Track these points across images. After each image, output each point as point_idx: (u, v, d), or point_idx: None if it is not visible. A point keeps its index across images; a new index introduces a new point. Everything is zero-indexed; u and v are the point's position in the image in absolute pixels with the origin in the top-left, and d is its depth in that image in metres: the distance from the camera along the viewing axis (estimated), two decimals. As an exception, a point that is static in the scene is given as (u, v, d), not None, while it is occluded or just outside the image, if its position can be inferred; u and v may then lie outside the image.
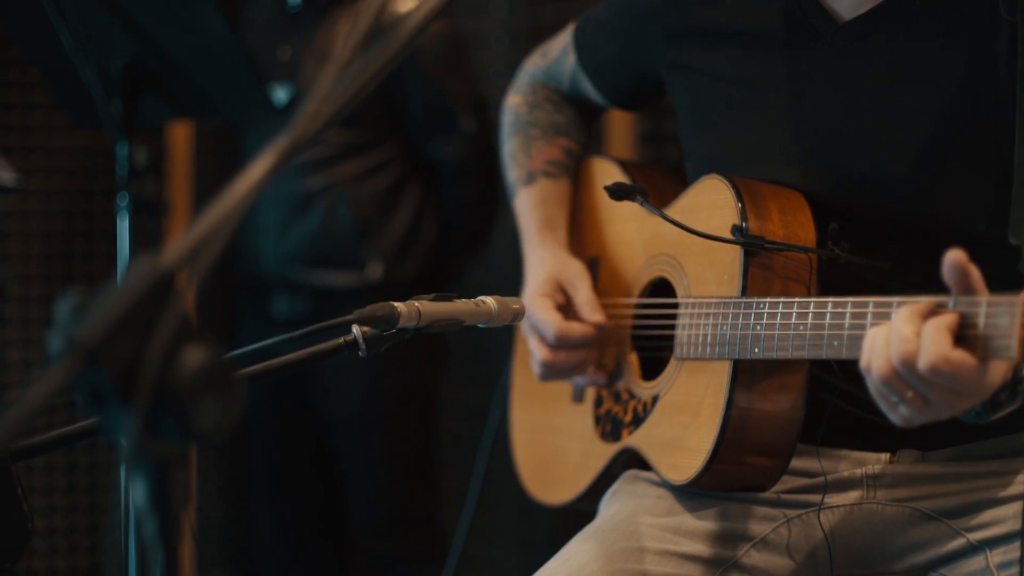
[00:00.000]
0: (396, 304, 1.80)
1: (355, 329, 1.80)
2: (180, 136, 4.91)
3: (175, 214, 4.78)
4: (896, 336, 1.79)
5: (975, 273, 1.78)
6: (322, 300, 4.37)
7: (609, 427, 2.48)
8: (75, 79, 3.26)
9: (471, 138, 4.37)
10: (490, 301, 1.95)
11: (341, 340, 1.83)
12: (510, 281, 2.68)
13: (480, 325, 1.95)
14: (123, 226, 3.32)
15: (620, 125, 4.28)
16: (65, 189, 4.92)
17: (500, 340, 3.06)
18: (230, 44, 3.38)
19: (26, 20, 3.52)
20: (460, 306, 1.89)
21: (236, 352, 1.74)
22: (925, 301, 1.81)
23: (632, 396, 2.43)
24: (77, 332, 1.13)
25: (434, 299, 1.85)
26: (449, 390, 4.92)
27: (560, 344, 2.46)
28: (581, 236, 2.65)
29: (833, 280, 2.18)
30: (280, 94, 4.27)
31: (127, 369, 1.13)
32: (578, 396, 2.59)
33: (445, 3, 1.52)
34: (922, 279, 1.89)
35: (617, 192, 2.37)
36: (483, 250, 4.67)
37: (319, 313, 4.29)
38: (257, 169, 1.27)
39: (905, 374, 1.79)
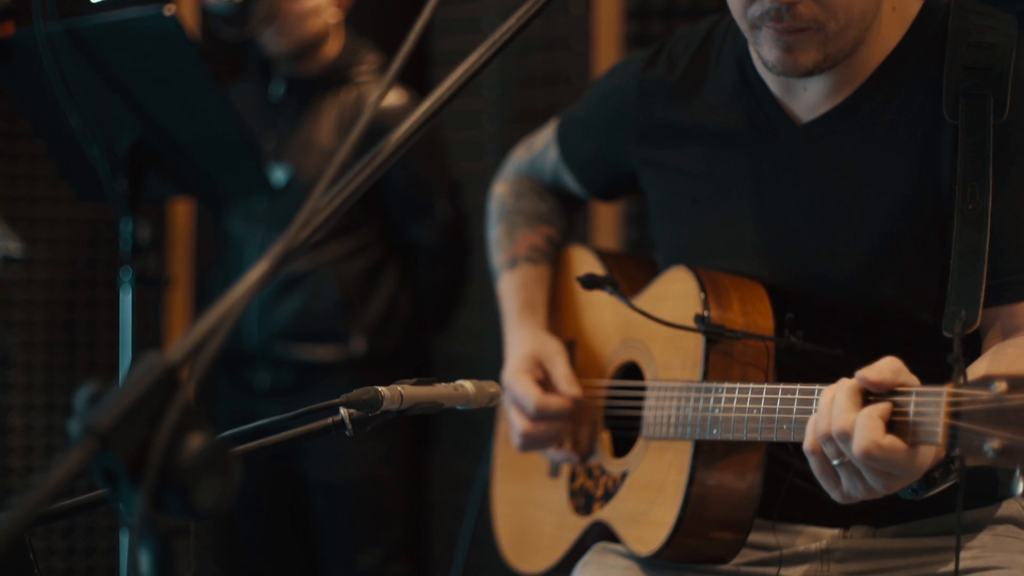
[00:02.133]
0: (380, 388, 1.95)
1: (342, 411, 1.95)
2: (181, 211, 5.04)
3: (175, 287, 4.91)
4: (836, 411, 1.96)
5: (905, 378, 1.95)
6: (305, 372, 4.51)
7: (582, 501, 2.62)
8: (80, 152, 3.40)
9: (447, 223, 4.56)
10: (468, 385, 2.09)
11: (329, 420, 1.97)
12: (487, 354, 2.83)
13: (459, 407, 2.09)
14: (126, 299, 3.45)
15: (606, 206, 4.42)
16: (68, 259, 5.02)
17: (487, 412, 3.20)
18: (232, 127, 3.52)
19: (35, 96, 3.66)
20: (440, 390, 2.03)
21: (230, 432, 1.88)
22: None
23: (603, 472, 2.58)
24: (93, 419, 1.28)
25: (416, 383, 2.00)
26: (437, 460, 5.03)
27: (539, 416, 2.61)
28: (559, 319, 2.81)
29: (790, 365, 2.33)
30: (278, 174, 4.39)
31: (137, 452, 1.29)
32: (554, 471, 2.73)
33: (430, 116, 1.68)
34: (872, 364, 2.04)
35: (588, 283, 2.53)
36: (450, 325, 4.82)
37: (303, 385, 4.45)
38: (253, 275, 1.42)
39: (842, 448, 1.95)
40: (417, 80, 4.72)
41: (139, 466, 1.28)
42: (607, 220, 4.48)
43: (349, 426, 1.95)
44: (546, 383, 2.66)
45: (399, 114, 4.35)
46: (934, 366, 2.05)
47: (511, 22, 1.78)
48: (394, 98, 4.44)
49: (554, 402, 2.62)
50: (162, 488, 1.28)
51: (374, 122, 4.64)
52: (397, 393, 1.96)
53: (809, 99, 2.37)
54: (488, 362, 2.80)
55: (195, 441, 1.30)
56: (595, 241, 4.52)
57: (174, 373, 1.33)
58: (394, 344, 4.58)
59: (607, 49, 4.54)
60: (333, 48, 4.60)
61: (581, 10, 4.64)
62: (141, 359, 1.33)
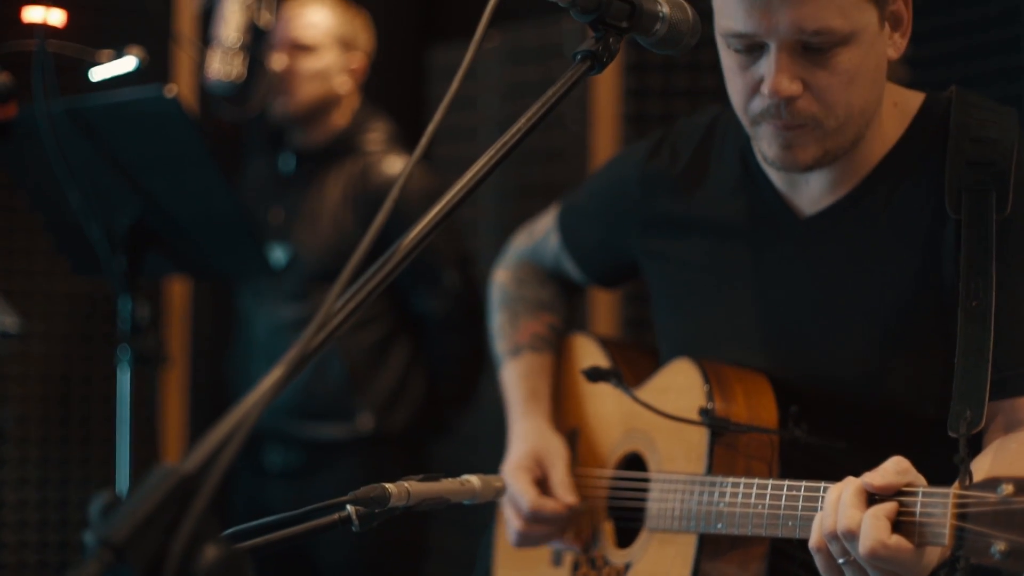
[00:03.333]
0: (387, 486, 1.96)
1: (349, 508, 1.96)
2: (178, 290, 5.04)
3: (173, 367, 4.90)
4: (843, 510, 1.96)
5: (912, 478, 1.95)
6: (315, 451, 4.46)
7: (585, 592, 2.62)
8: (77, 226, 3.42)
9: (455, 293, 4.49)
10: (474, 480, 2.10)
11: (336, 516, 1.97)
12: (498, 432, 2.82)
13: (465, 502, 2.10)
14: (124, 379, 3.45)
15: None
16: (65, 333, 5.02)
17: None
18: (232, 207, 3.53)
19: (34, 171, 3.66)
20: (446, 485, 2.04)
21: (239, 528, 1.88)
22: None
23: (607, 563, 2.57)
24: (108, 531, 1.28)
25: (422, 480, 2.01)
26: (436, 536, 5.01)
27: (533, 518, 2.61)
28: (563, 407, 2.81)
29: (794, 458, 2.33)
30: (278, 254, 4.39)
31: (152, 565, 1.28)
32: (557, 560, 2.72)
33: (440, 220, 1.68)
34: (876, 457, 2.04)
35: (593, 375, 2.53)
36: (472, 401, 4.77)
37: (312, 464, 4.41)
38: (267, 381, 1.43)
39: (847, 547, 1.95)
40: (413, 149, 4.70)
41: (155, 578, 1.28)
42: (605, 299, 4.49)
43: (356, 522, 1.95)
44: (544, 483, 2.66)
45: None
46: (937, 458, 2.06)
47: (519, 124, 1.80)
48: (400, 167, 4.44)
49: (549, 506, 2.61)
50: (178, 601, 1.29)
51: (381, 189, 4.63)
52: (404, 490, 1.97)
53: (812, 192, 2.39)
54: (497, 443, 2.80)
55: (210, 553, 1.30)
56: (593, 319, 4.53)
57: (188, 483, 1.33)
58: (406, 420, 4.51)
59: (605, 128, 4.57)
60: (343, 117, 4.58)
61: (579, 90, 4.65)
62: (156, 469, 1.33)
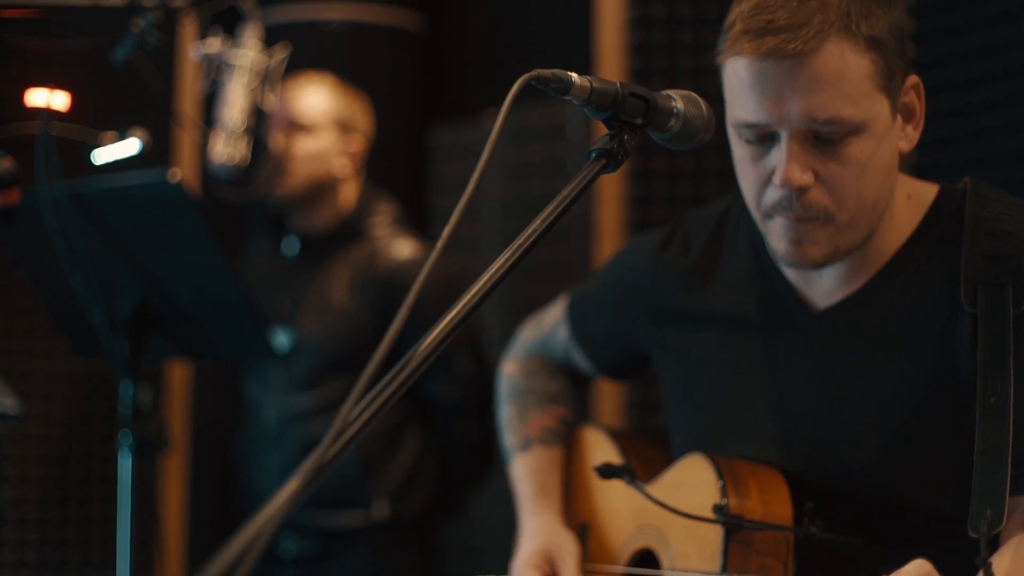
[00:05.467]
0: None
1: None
2: (179, 374, 5.01)
3: (175, 450, 4.86)
4: None
5: None
6: (329, 539, 4.40)
7: None
8: (78, 308, 3.39)
9: (468, 379, 4.45)
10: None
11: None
12: (506, 515, 2.78)
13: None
14: (125, 464, 3.41)
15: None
16: (64, 414, 4.99)
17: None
18: (236, 291, 3.50)
19: (36, 252, 3.64)
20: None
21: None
22: None
23: (619, 662, 2.54)
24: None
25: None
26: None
27: None
28: (573, 501, 2.78)
29: (809, 554, 2.30)
30: (282, 339, 4.35)
31: None
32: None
33: (458, 324, 1.67)
34: (892, 554, 2.02)
35: (606, 472, 2.49)
36: (483, 483, 4.73)
37: (326, 551, 4.36)
38: (284, 493, 1.40)
39: None
40: (417, 231, 4.68)
41: None
42: (607, 384, 4.45)
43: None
44: None
45: (411, 267, 4.31)
46: (954, 554, 2.03)
47: (535, 225, 1.79)
48: (408, 250, 4.39)
49: None
50: None
51: (389, 274, 4.58)
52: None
53: (825, 286, 2.37)
54: (505, 526, 2.76)
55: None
56: (598, 403, 4.49)
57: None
58: (420, 506, 4.45)
59: (609, 210, 4.55)
60: (346, 201, 4.50)
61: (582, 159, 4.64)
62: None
